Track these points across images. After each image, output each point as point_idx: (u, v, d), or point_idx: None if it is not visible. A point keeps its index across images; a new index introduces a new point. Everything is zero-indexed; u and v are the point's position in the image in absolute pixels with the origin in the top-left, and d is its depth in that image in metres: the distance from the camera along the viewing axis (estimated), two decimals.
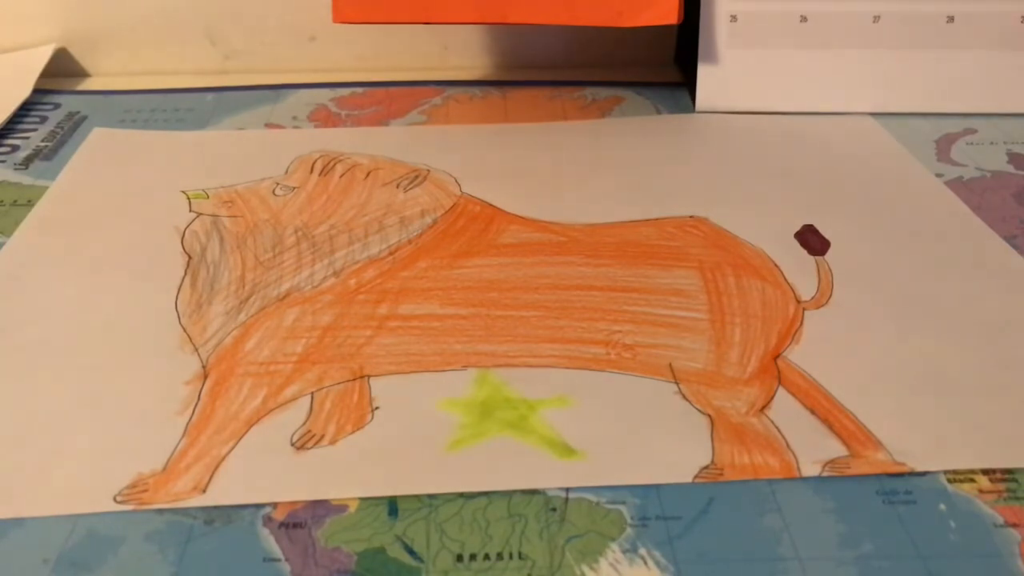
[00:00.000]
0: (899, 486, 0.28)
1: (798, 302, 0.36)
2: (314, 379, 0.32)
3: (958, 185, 0.45)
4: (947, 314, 0.35)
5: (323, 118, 0.52)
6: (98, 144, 0.48)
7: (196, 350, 0.33)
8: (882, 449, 0.29)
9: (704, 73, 0.51)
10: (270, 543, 0.26)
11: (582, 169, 0.46)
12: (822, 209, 0.42)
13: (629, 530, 0.27)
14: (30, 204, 0.43)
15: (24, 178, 0.46)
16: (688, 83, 0.55)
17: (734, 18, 0.50)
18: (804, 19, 0.50)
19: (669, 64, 0.59)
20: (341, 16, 0.48)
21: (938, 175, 0.46)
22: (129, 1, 0.56)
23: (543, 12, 0.47)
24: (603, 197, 0.43)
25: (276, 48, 0.58)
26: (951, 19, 0.50)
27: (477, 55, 0.59)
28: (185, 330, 0.34)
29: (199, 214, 0.41)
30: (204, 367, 0.32)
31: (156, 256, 0.38)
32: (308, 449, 0.29)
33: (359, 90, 0.55)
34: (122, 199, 0.43)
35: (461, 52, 0.59)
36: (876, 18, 0.50)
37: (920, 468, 0.28)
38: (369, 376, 0.32)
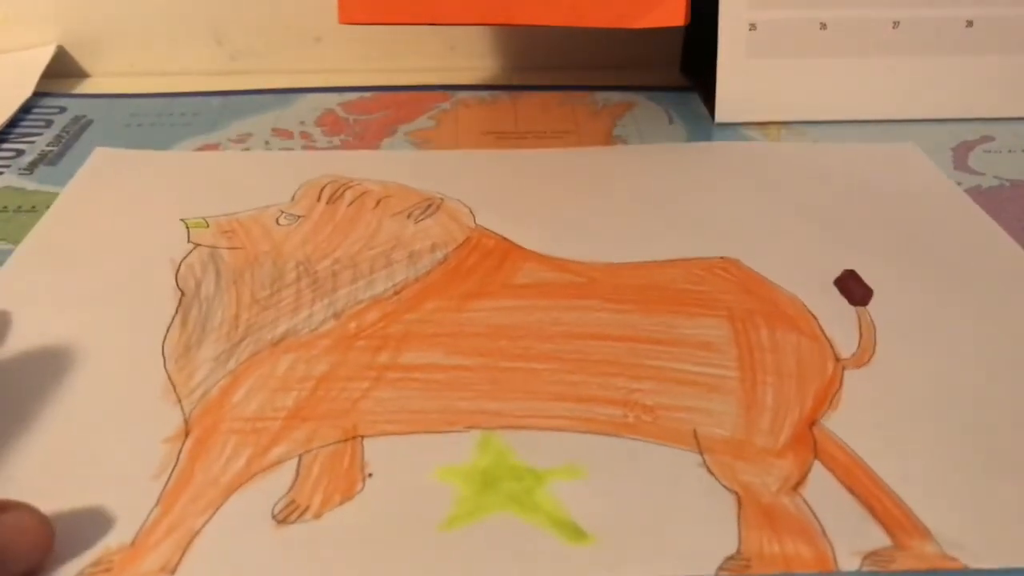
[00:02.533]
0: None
1: (837, 359, 0.32)
2: (303, 439, 0.29)
3: (976, 194, 0.43)
4: (1009, 376, 0.32)
5: (330, 123, 0.50)
6: (99, 165, 0.46)
7: (179, 401, 0.31)
8: (930, 540, 0.26)
9: (723, 83, 0.49)
10: None
11: (602, 200, 0.43)
12: (861, 249, 0.38)
13: None
14: (34, 210, 0.42)
15: (28, 183, 0.44)
16: (698, 90, 0.53)
17: (753, 27, 0.48)
18: (824, 26, 0.48)
19: (676, 69, 0.57)
20: (347, 17, 0.46)
21: (955, 184, 0.43)
22: (132, 1, 0.55)
23: (548, 13, 0.45)
24: (625, 232, 0.40)
25: (282, 48, 0.57)
26: (970, 23, 0.48)
27: (484, 56, 0.58)
28: (170, 377, 0.32)
29: (197, 245, 0.39)
30: (186, 422, 0.30)
31: (147, 293, 0.36)
32: (291, 523, 0.26)
33: (367, 95, 0.54)
34: (119, 227, 0.40)
35: (468, 53, 0.58)
36: (895, 24, 0.48)
37: (974, 565, 0.25)
38: (363, 436, 0.29)
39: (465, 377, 0.32)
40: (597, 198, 0.43)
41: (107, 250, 0.39)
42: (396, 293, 0.36)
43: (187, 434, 0.29)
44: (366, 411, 0.30)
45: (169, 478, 0.28)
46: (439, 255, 0.38)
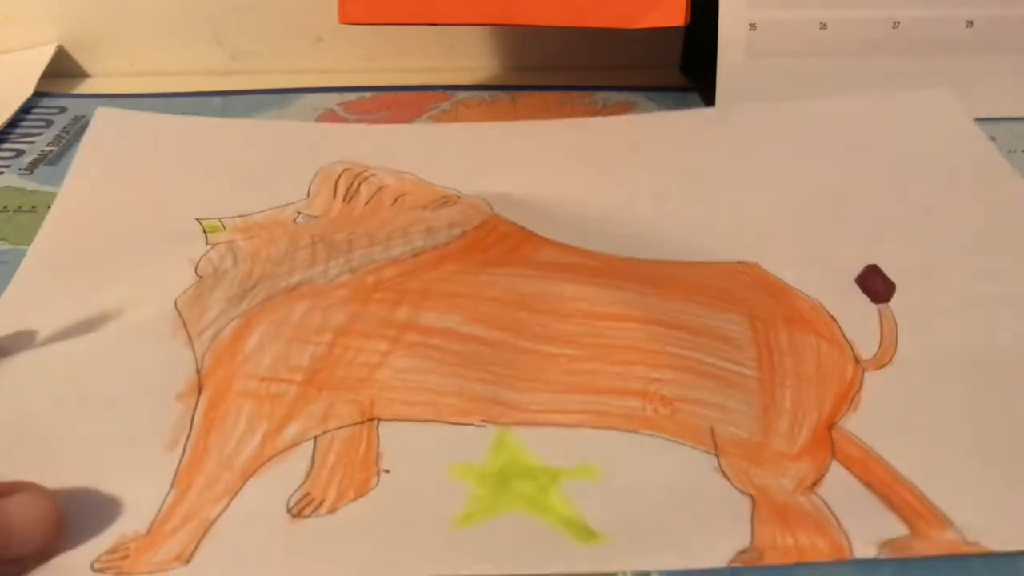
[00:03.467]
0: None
1: (857, 362, 0.32)
2: (319, 415, 0.29)
3: None
4: None
5: (330, 122, 0.50)
6: (105, 133, 0.45)
7: (191, 341, 0.31)
8: (950, 527, 0.26)
9: (723, 83, 0.49)
10: None
11: (619, 193, 0.42)
12: (884, 238, 0.38)
13: None
14: (35, 210, 0.41)
15: (28, 183, 0.44)
16: (698, 90, 0.53)
17: (753, 27, 0.48)
18: (824, 26, 0.48)
19: (676, 69, 0.57)
20: (347, 17, 0.46)
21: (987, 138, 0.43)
22: (132, 1, 0.55)
23: (548, 13, 0.45)
24: (643, 230, 0.39)
25: (282, 49, 0.57)
26: (970, 23, 0.48)
27: (484, 56, 0.58)
28: (180, 314, 0.32)
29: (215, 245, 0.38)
30: (199, 372, 0.30)
31: (164, 272, 0.35)
32: (305, 517, 0.26)
33: (367, 94, 0.53)
34: (133, 219, 0.40)
35: (468, 53, 0.57)
36: (895, 24, 0.48)
37: (998, 548, 0.25)
38: (379, 419, 0.29)
39: (483, 353, 0.31)
40: (614, 189, 0.42)
41: (123, 249, 0.38)
42: (414, 256, 0.35)
43: (200, 389, 0.30)
44: (383, 383, 0.30)
45: (183, 453, 0.28)
46: (457, 231, 0.37)
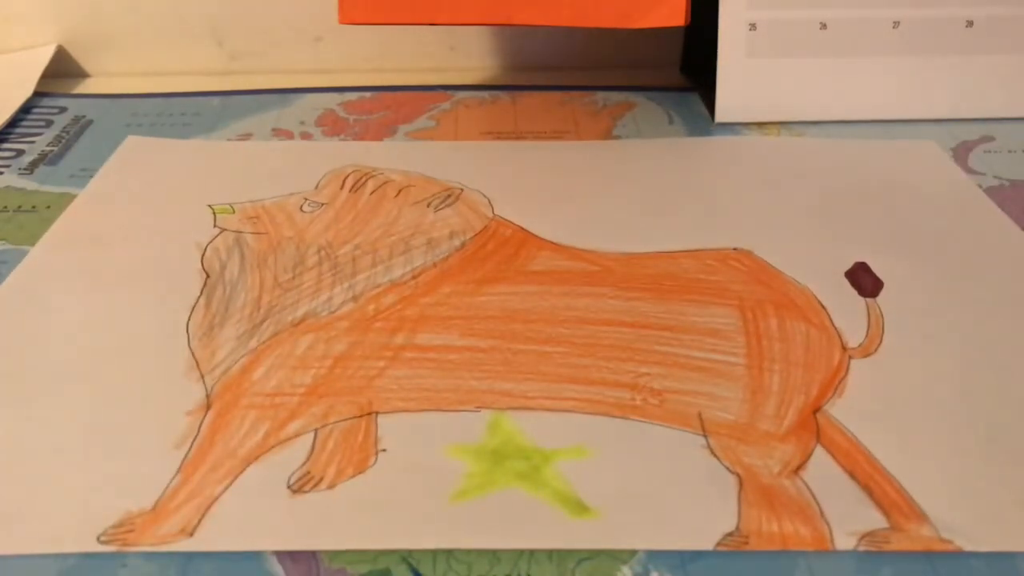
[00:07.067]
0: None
1: (844, 349, 0.33)
2: (320, 414, 0.30)
3: None
4: (1012, 368, 0.32)
5: (330, 123, 0.51)
6: (131, 152, 0.47)
7: (202, 377, 0.32)
8: (927, 523, 0.26)
9: (723, 83, 0.49)
10: (272, 563, 0.26)
11: (617, 193, 0.43)
12: (874, 243, 0.39)
13: (641, 553, 0.26)
14: (35, 210, 0.42)
15: (29, 183, 0.44)
16: (699, 90, 0.54)
17: (753, 26, 0.48)
18: (824, 26, 0.48)
19: (676, 69, 0.58)
20: (347, 17, 0.46)
21: (972, 181, 0.44)
22: (132, 1, 0.56)
23: (549, 13, 0.46)
24: (639, 224, 0.40)
25: (282, 49, 0.57)
26: (970, 23, 0.48)
27: (484, 56, 0.58)
28: (193, 354, 0.33)
29: (223, 230, 0.40)
30: (208, 396, 0.31)
31: (174, 274, 0.37)
32: (305, 492, 0.27)
33: (367, 95, 0.54)
34: (148, 212, 0.42)
35: (468, 53, 0.58)
36: (895, 24, 0.48)
37: (970, 547, 0.26)
38: (377, 412, 0.30)
39: (478, 358, 0.33)
40: (612, 190, 0.43)
41: (135, 234, 0.40)
42: (414, 277, 0.37)
43: (208, 407, 0.31)
44: (381, 388, 0.31)
45: (190, 449, 0.29)
46: (457, 242, 0.39)
